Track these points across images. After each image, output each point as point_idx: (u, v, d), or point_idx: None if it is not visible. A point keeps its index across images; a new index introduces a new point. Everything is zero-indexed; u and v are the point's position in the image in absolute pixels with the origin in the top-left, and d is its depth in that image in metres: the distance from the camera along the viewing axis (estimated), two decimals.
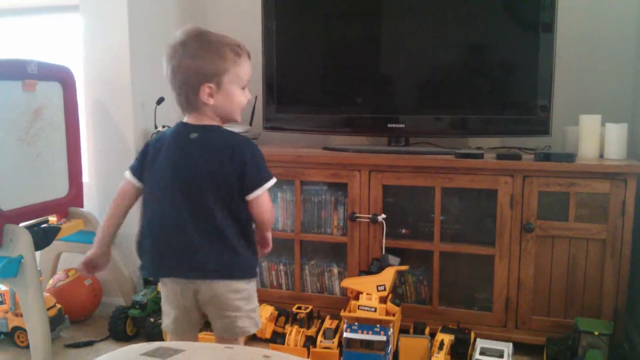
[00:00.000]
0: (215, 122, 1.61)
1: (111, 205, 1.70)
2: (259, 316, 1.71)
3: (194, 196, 1.55)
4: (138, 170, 1.66)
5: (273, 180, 1.61)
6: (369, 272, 2.34)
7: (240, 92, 1.60)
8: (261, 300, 1.90)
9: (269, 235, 1.74)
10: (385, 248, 2.40)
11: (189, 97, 1.57)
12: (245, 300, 1.62)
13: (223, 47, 1.55)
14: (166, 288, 1.66)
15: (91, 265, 1.68)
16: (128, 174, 1.67)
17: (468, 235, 2.42)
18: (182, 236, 1.55)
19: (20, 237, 2.16)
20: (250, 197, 1.57)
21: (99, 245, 1.68)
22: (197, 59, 1.53)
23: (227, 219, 1.56)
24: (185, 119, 1.63)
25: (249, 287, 1.64)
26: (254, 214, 1.60)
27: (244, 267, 1.61)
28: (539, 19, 2.33)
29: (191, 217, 1.54)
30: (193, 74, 1.54)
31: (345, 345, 2.11)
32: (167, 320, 1.69)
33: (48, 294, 2.44)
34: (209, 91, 1.55)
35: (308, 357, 2.20)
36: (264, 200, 1.60)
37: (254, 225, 1.65)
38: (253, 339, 2.33)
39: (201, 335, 2.33)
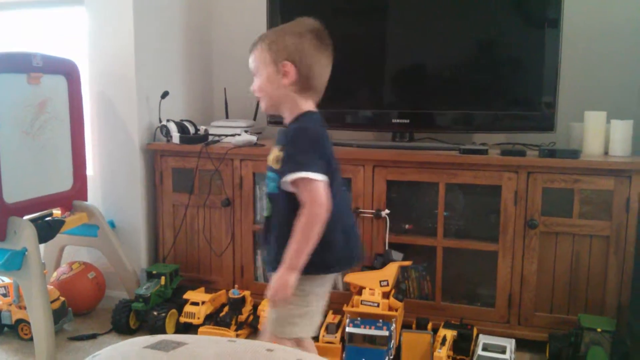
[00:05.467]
0: None
1: (322, 219, 1.50)
2: None
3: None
4: (324, 169, 1.54)
5: None
6: (372, 268, 2.34)
7: None
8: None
9: None
10: (389, 243, 2.40)
11: None
12: None
13: None
14: (328, 283, 1.65)
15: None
16: (323, 177, 1.51)
17: (471, 231, 2.41)
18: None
19: (25, 229, 2.17)
20: None
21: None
22: None
23: None
24: (313, 108, 1.63)
25: None
26: None
27: None
28: (545, 15, 2.32)
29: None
30: None
31: (348, 340, 2.12)
32: (318, 318, 1.64)
33: (52, 287, 2.44)
34: None
35: None
36: None
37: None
38: (257, 333, 2.33)
39: (204, 328, 2.34)
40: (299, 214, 1.50)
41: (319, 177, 1.49)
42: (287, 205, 1.54)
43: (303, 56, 1.56)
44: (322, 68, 1.60)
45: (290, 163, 1.50)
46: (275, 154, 1.58)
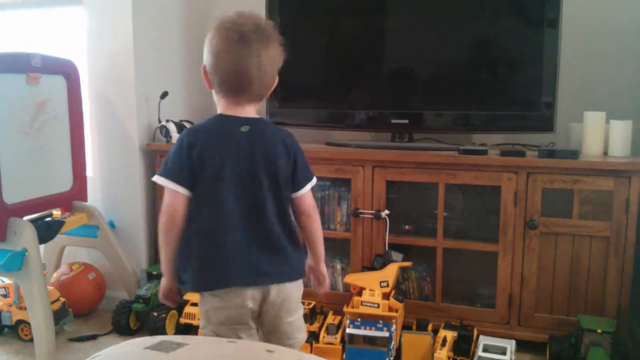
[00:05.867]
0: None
1: (163, 228, 1.46)
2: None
3: (249, 194, 1.45)
4: (184, 177, 1.44)
5: (315, 179, 1.56)
6: (372, 268, 2.34)
7: None
8: None
9: (321, 250, 1.60)
10: (389, 244, 2.40)
11: (262, 87, 1.46)
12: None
13: None
14: (221, 300, 1.48)
15: (170, 296, 1.56)
16: (173, 185, 1.44)
17: (471, 231, 2.41)
18: (241, 239, 1.45)
19: (25, 230, 2.17)
20: (299, 194, 1.51)
21: (170, 276, 1.52)
22: (280, 48, 1.47)
23: (276, 217, 1.48)
24: (229, 111, 1.49)
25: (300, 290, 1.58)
26: (300, 213, 1.53)
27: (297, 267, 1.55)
28: (543, 15, 2.32)
29: (248, 216, 1.45)
30: (278, 63, 1.47)
31: (348, 341, 2.12)
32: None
33: (52, 288, 2.44)
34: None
35: (311, 352, 2.20)
36: (310, 198, 1.54)
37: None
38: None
39: None
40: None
41: (167, 184, 1.43)
42: None
43: (208, 56, 1.45)
44: (228, 64, 1.43)
45: None
46: None
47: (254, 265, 1.46)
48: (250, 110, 1.49)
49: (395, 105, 2.59)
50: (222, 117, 1.49)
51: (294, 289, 1.54)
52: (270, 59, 1.44)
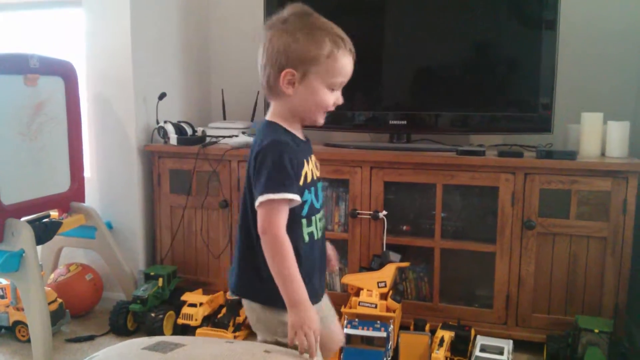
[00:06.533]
0: (281, 118, 1.39)
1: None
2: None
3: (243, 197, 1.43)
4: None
5: (275, 195, 1.27)
6: (369, 269, 2.34)
7: (325, 90, 1.39)
8: None
9: (281, 289, 1.29)
10: (386, 245, 2.40)
11: (269, 81, 1.36)
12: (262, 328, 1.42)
13: (322, 33, 1.39)
14: None
15: None
16: None
17: (469, 232, 2.42)
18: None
19: (22, 231, 2.17)
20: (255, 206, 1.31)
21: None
22: (289, 37, 1.36)
23: (240, 231, 1.41)
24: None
25: (266, 314, 1.39)
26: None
27: (247, 288, 1.41)
28: (541, 16, 2.33)
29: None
30: (277, 53, 1.34)
31: (346, 341, 2.12)
32: None
33: (49, 289, 2.44)
34: (289, 78, 1.34)
35: None
36: (261, 216, 1.29)
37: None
38: (253, 335, 2.32)
39: (201, 330, 2.33)
40: None
41: None
42: None
43: None
44: None
45: None
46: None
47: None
48: (274, 109, 1.42)
49: (393, 106, 2.59)
50: None
51: (246, 307, 1.43)
52: (272, 48, 1.37)
